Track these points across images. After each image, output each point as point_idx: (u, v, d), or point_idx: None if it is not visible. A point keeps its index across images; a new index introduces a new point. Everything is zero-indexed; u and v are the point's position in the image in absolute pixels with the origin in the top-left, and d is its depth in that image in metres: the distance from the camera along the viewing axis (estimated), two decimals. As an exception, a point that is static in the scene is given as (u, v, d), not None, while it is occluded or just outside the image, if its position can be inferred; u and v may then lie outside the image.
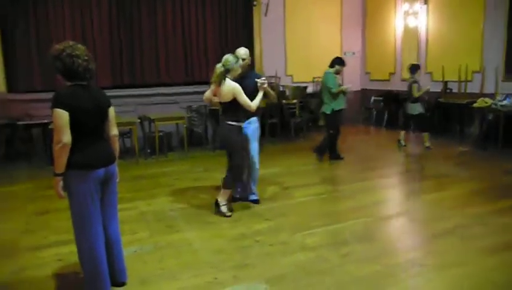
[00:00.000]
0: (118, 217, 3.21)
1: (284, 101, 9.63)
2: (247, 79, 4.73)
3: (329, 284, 3.20)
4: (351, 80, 12.02)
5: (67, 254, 3.85)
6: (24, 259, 3.71)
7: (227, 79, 4.50)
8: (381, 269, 3.41)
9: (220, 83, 4.50)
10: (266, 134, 9.17)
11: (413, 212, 4.81)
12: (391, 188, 5.81)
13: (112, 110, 3.07)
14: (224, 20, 10.81)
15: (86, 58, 2.88)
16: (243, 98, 4.47)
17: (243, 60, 4.77)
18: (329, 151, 7.23)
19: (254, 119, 4.96)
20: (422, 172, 6.58)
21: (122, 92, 9.17)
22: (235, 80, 4.56)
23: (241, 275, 3.36)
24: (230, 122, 4.59)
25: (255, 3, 10.90)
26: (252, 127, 4.94)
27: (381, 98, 11.07)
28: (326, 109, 6.97)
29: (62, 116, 2.74)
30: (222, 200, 4.72)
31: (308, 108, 10.04)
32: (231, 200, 4.97)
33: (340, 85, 7.05)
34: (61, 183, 2.84)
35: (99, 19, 9.54)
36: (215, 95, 4.65)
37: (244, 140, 4.82)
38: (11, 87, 8.90)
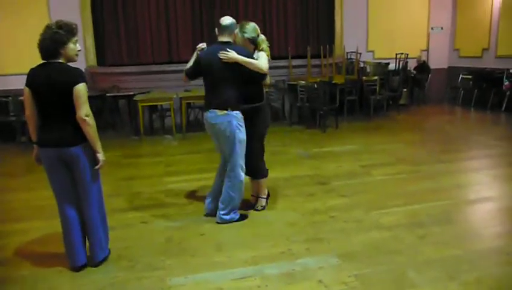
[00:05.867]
0: (92, 201, 3.11)
1: (364, 77, 9.34)
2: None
3: (401, 264, 3.12)
4: (438, 57, 11.35)
5: (150, 216, 4.13)
6: (112, 220, 3.99)
7: None
8: (461, 253, 3.25)
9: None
10: (344, 111, 8.99)
11: (501, 198, 4.48)
12: (476, 172, 5.43)
13: (78, 89, 2.83)
14: (305, -7, 10.64)
15: (40, 38, 2.87)
16: None
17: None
18: None
19: None
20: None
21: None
22: None
23: (314, 248, 3.39)
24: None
25: (337, -25, 10.57)
26: None
27: (470, 77, 10.31)
28: None
29: (24, 91, 2.91)
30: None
31: (390, 85, 9.64)
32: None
33: None
34: (35, 152, 3.07)
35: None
36: None
37: None
38: (100, 61, 9.53)
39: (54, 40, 2.84)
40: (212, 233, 3.74)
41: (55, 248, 3.45)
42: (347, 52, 10.35)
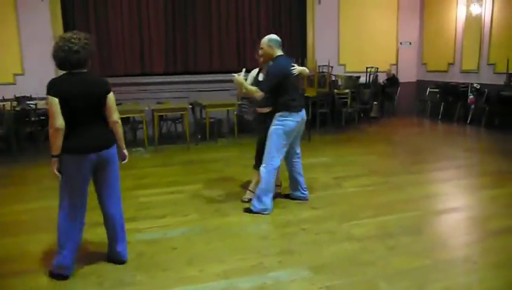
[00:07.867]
0: (119, 198, 3.32)
1: (335, 90, 9.49)
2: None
3: (372, 275, 3.15)
4: (406, 71, 11.66)
5: (127, 230, 4.02)
6: (86, 234, 3.90)
7: None
8: (430, 263, 3.31)
9: None
10: (317, 123, 9.09)
11: (468, 208, 4.61)
12: (444, 182, 5.58)
13: (110, 97, 3.11)
14: (278, 8, 10.80)
15: (74, 48, 2.92)
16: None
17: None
18: None
19: None
20: (480, 167, 6.27)
21: (174, 79, 9.41)
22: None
23: (286, 261, 3.38)
24: None
25: (309, -10, 10.77)
26: None
27: (437, 90, 10.63)
28: None
29: (53, 102, 2.87)
30: None
31: (361, 98, 9.83)
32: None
33: None
34: (57, 165, 2.99)
35: (155, 6, 9.83)
36: None
37: None
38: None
39: (89, 51, 3.02)
40: (184, 247, 3.69)
41: (19, 266, 3.34)
42: (319, 66, 10.50)
